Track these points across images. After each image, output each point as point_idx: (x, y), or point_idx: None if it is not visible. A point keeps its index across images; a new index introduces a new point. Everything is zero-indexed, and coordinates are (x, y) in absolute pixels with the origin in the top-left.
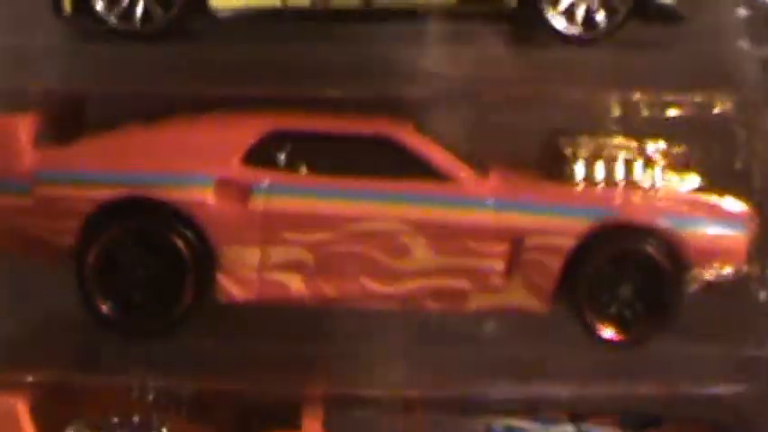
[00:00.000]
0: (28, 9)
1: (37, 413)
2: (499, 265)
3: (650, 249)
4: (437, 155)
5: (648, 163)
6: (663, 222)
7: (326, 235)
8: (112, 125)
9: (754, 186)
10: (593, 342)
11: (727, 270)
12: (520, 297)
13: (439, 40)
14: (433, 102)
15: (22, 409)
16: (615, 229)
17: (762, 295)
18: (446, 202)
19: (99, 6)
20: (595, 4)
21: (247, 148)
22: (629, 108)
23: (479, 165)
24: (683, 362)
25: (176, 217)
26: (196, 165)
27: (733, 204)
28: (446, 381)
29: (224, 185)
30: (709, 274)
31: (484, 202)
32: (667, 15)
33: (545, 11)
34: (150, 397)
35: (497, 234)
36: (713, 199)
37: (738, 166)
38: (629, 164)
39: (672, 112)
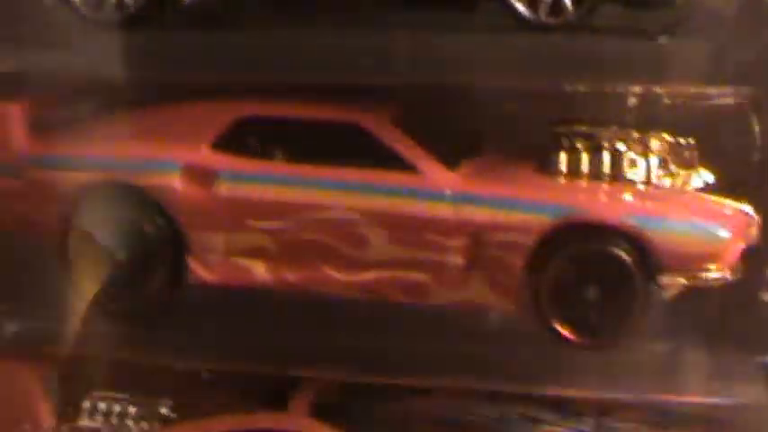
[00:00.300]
0: None
1: (53, 384)
2: (458, 260)
3: (614, 250)
4: (402, 144)
5: (646, 156)
6: (631, 221)
7: (287, 222)
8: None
9: None
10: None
11: (714, 275)
12: (482, 294)
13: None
14: (409, 90)
15: (32, 375)
16: (578, 228)
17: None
18: (405, 193)
19: None
20: None
21: (217, 134)
22: (642, 99)
23: (462, 155)
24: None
25: (147, 202)
26: (165, 150)
27: (728, 206)
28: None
29: (191, 171)
30: (688, 279)
31: (443, 195)
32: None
33: None
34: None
35: (456, 228)
36: (703, 198)
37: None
38: (620, 157)
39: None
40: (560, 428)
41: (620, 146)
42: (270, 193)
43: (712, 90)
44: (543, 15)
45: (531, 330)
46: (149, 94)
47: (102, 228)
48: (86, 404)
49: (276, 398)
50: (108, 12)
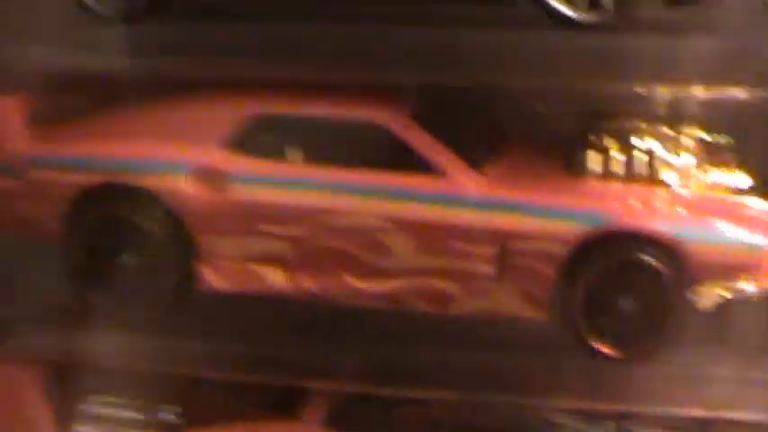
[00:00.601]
0: None
1: (53, 385)
2: (487, 269)
3: (649, 260)
4: (426, 146)
5: (680, 156)
6: (667, 230)
7: (303, 228)
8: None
9: None
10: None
11: (751, 287)
12: (512, 304)
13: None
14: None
15: (33, 380)
16: (612, 237)
17: None
18: (429, 197)
19: None
20: None
21: (230, 133)
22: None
23: (487, 155)
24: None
25: (156, 204)
26: (174, 151)
27: (764, 212)
28: None
29: (202, 173)
30: (726, 291)
31: (469, 200)
32: None
33: None
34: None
35: (483, 235)
36: (741, 204)
37: None
38: (653, 157)
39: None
40: None
41: (654, 145)
42: (286, 196)
43: (744, 89)
44: (582, 12)
45: (559, 341)
46: (156, 89)
47: (106, 232)
48: (85, 409)
49: (288, 405)
50: (113, 4)
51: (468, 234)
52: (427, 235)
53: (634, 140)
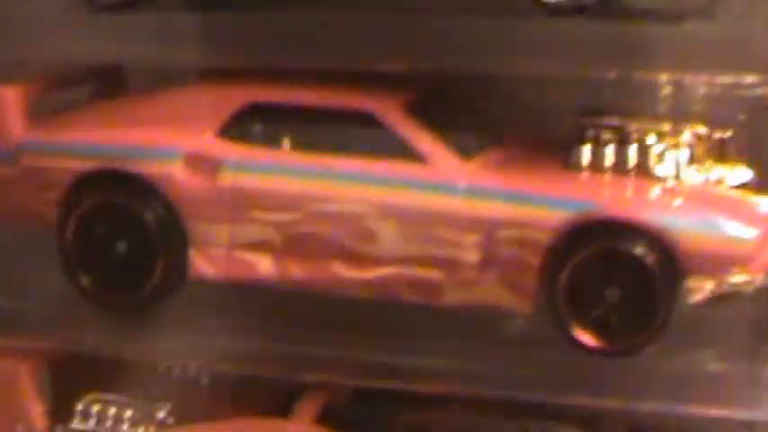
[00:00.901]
0: None
1: (47, 382)
2: (472, 257)
3: (636, 249)
4: (413, 134)
5: (676, 150)
6: (654, 219)
7: (292, 214)
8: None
9: None
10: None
11: (740, 279)
12: (496, 294)
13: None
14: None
15: (25, 376)
16: (598, 225)
17: None
18: (415, 184)
19: None
20: None
21: (223, 121)
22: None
23: (479, 146)
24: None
25: (148, 190)
26: (167, 137)
27: (763, 205)
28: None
29: (194, 159)
30: (717, 284)
31: (455, 187)
32: None
33: None
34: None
35: (469, 222)
36: (735, 196)
37: None
38: (647, 150)
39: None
40: None
41: (648, 138)
42: (275, 183)
43: (745, 78)
44: None
45: (549, 335)
46: (152, 77)
47: (99, 218)
48: (80, 406)
49: (281, 402)
50: None
51: (454, 221)
52: (413, 222)
53: (628, 133)
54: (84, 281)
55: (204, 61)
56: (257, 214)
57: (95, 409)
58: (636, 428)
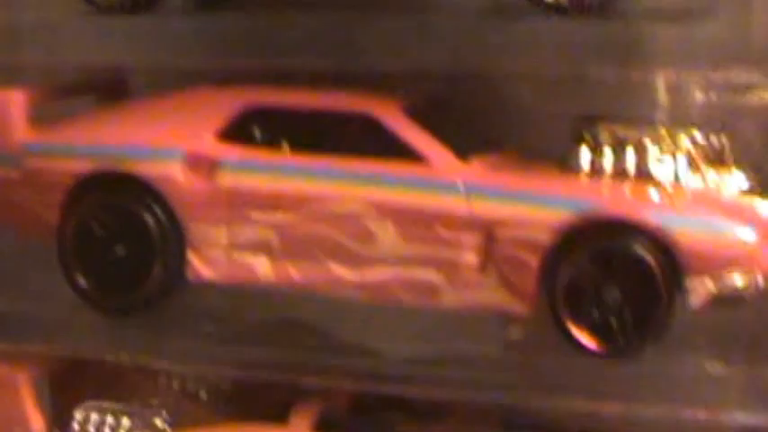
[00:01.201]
0: None
1: (45, 390)
2: (471, 258)
3: (636, 249)
4: (412, 134)
5: (674, 154)
6: (654, 219)
7: (291, 215)
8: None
9: None
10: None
11: (739, 280)
12: (497, 295)
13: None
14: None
15: (24, 383)
16: (598, 225)
17: None
18: (414, 184)
19: None
20: None
21: (223, 122)
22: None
23: (479, 148)
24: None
25: (146, 192)
26: (167, 139)
27: (761, 207)
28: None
29: (193, 160)
30: (717, 286)
31: (454, 187)
32: None
33: None
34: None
35: (468, 222)
36: (733, 198)
37: None
38: (645, 154)
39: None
40: None
41: (646, 142)
42: (273, 183)
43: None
44: None
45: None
46: (154, 80)
47: (100, 218)
48: (79, 414)
49: (278, 409)
50: None
51: (452, 221)
52: (412, 223)
53: (626, 137)
54: (83, 282)
55: (205, 64)
56: (256, 215)
57: (93, 416)
58: None
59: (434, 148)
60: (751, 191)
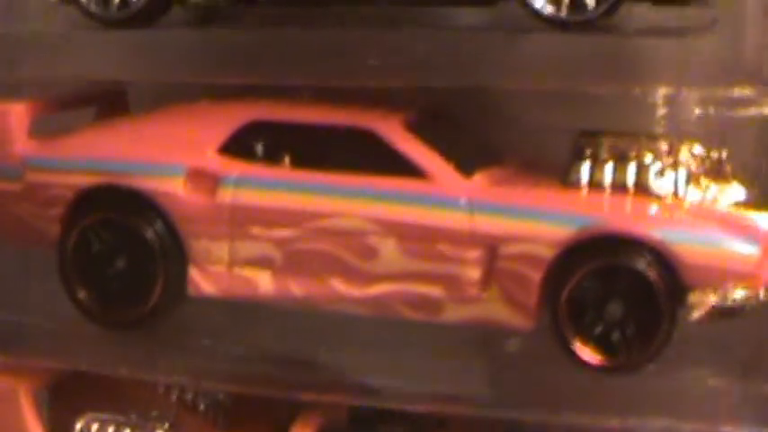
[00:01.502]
0: None
1: (45, 401)
2: (474, 273)
3: (638, 264)
4: (414, 150)
5: (674, 169)
6: (656, 234)
7: (292, 231)
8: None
9: None
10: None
11: (741, 294)
12: (499, 311)
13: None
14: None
15: (24, 394)
16: (600, 240)
17: None
18: (416, 200)
19: None
20: None
21: (224, 138)
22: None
23: (480, 163)
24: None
25: (148, 206)
26: (170, 154)
27: (761, 221)
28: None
29: (195, 176)
30: (717, 298)
31: (456, 203)
32: None
33: None
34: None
35: (470, 238)
36: (733, 213)
37: None
38: (646, 169)
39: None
40: None
41: (647, 157)
42: (274, 199)
43: (739, 93)
44: (564, 12)
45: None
46: (153, 95)
47: (100, 233)
48: (79, 426)
49: (279, 423)
50: (114, 10)
51: (454, 237)
52: (414, 238)
53: (627, 152)
54: (84, 296)
55: (205, 78)
56: (257, 231)
57: (94, 428)
58: None
59: (436, 164)
60: (749, 204)
